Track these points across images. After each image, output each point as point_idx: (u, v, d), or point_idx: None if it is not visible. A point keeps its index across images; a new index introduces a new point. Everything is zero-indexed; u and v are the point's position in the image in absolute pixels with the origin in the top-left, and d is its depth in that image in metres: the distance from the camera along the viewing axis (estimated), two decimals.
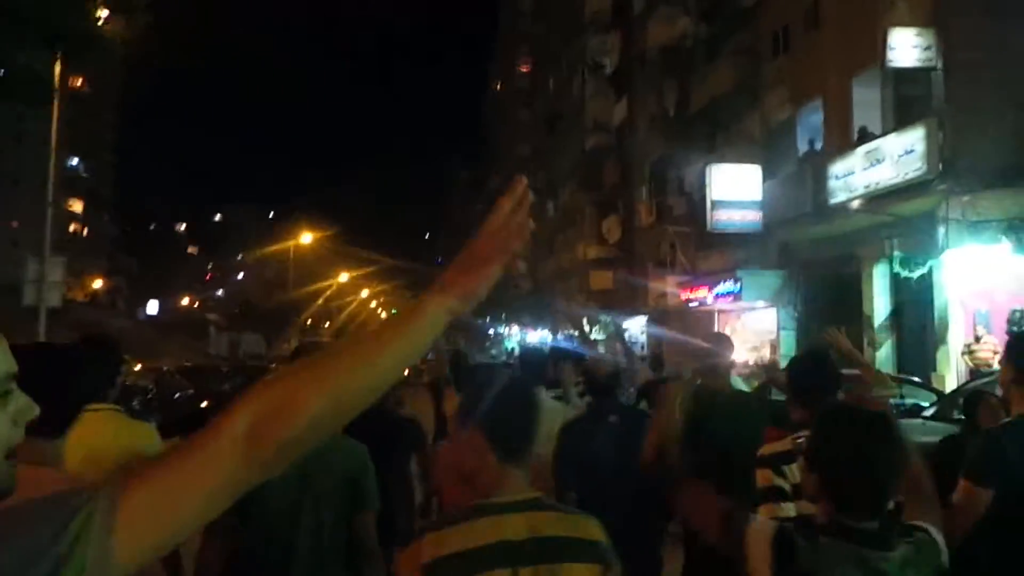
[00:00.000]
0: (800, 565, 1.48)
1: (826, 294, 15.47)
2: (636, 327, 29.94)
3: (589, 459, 2.87)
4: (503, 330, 51.72)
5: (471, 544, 1.46)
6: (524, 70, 54.70)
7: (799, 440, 2.18)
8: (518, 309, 49.95)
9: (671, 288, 22.04)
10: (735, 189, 16.18)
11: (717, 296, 18.17)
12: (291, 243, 43.39)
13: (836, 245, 14.31)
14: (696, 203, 20.72)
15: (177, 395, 12.53)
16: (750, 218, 16.14)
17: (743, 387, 4.72)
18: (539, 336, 42.69)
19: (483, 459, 1.53)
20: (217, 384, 14.10)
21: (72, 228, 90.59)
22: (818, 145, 14.12)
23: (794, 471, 2.15)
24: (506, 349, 43.68)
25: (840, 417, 1.65)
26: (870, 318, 13.49)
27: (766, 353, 17.44)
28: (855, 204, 12.25)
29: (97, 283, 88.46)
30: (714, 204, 16.30)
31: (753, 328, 18.84)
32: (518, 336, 46.48)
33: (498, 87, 68.77)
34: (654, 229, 23.98)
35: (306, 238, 42.27)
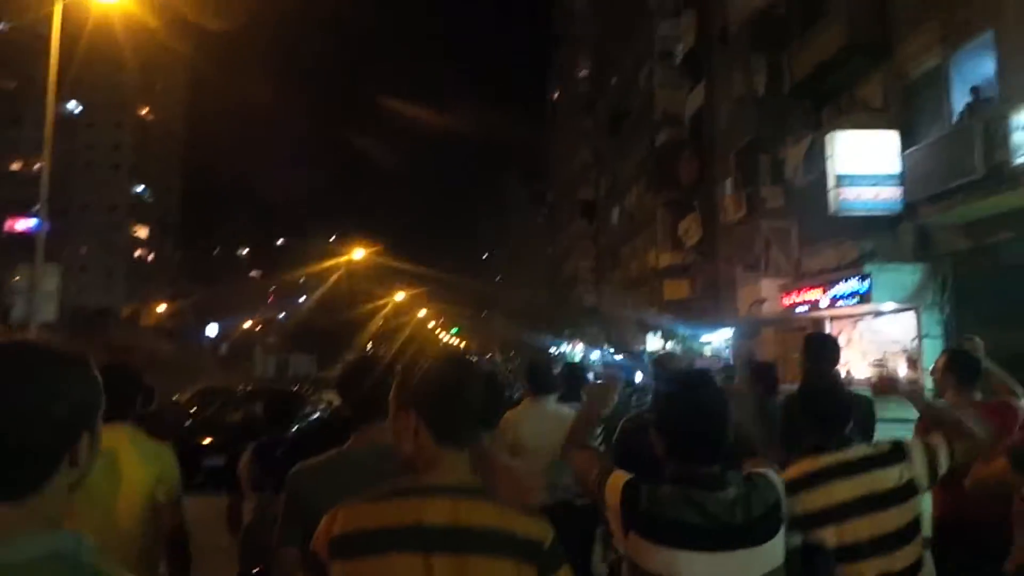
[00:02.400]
0: (643, 507, 1.73)
1: (987, 291, 12.03)
2: (719, 340, 26.64)
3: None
4: (566, 347, 48.76)
5: (384, 522, 1.40)
6: (583, 74, 52.39)
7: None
8: (582, 324, 46.93)
9: (767, 293, 18.75)
10: (863, 162, 12.95)
11: (835, 299, 14.86)
12: (344, 259, 41.56)
13: (1009, 224, 10.94)
14: (800, 190, 17.47)
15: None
16: (885, 196, 12.87)
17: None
18: (602, 352, 39.64)
19: (418, 440, 1.47)
20: (229, 411, 11.71)
21: (138, 254, 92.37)
22: (987, 94, 10.83)
23: (800, 500, 2.07)
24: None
25: (675, 384, 1.92)
26: None
27: (900, 367, 14.13)
28: None
29: (161, 307, 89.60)
30: (839, 181, 13.09)
31: (881, 337, 15.42)
32: (582, 352, 43.43)
33: (556, 96, 66.50)
34: (744, 226, 20.74)
35: (358, 253, 40.35)
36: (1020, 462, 2.30)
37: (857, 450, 2.20)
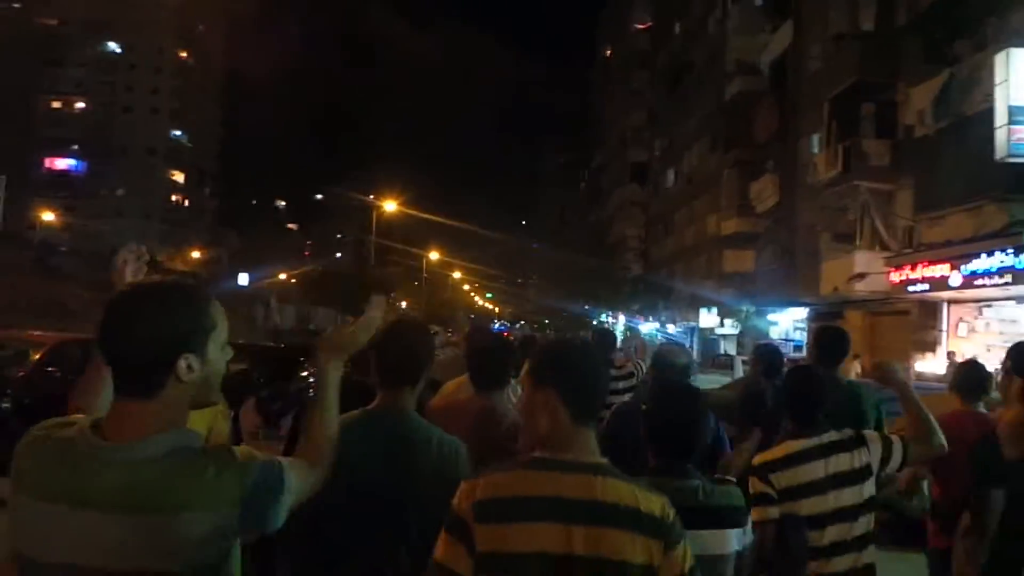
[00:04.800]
0: None
1: None
2: (789, 321, 23.50)
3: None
4: (607, 319, 45.78)
5: (527, 492, 1.48)
6: (641, 27, 48.57)
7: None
8: (627, 296, 43.89)
9: (866, 267, 15.60)
10: None
11: (972, 276, 11.74)
12: (376, 209, 39.00)
13: None
14: (922, 143, 14.18)
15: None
16: None
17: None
18: (651, 327, 36.63)
19: (555, 418, 1.54)
20: None
21: (174, 198, 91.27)
22: None
23: (779, 478, 2.42)
24: None
25: (663, 394, 2.21)
26: None
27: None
28: None
29: (195, 254, 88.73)
30: (1012, 115, 9.87)
31: (1017, 328, 12.24)
32: (624, 326, 40.46)
33: (608, 54, 62.55)
34: (836, 188, 17.49)
35: (390, 206, 37.67)
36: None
37: (827, 436, 2.48)
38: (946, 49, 13.97)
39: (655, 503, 1.51)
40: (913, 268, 13.40)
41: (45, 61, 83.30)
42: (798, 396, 2.58)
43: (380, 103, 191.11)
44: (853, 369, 14.29)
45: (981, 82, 12.11)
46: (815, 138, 19.71)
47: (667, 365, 3.47)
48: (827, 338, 3.65)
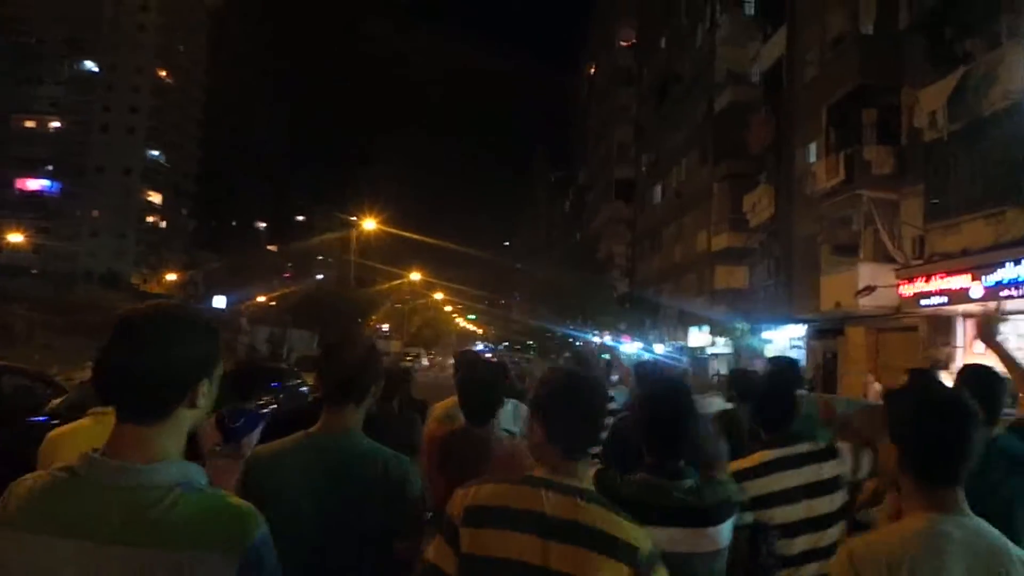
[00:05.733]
0: (613, 490, 1.93)
1: None
2: (785, 339, 22.52)
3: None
4: (592, 338, 44.69)
5: (513, 504, 1.59)
6: (625, 44, 48.19)
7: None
8: (612, 315, 42.89)
9: (872, 279, 14.67)
10: None
11: (995, 287, 10.79)
12: (359, 233, 37.83)
13: None
14: (932, 146, 13.31)
15: None
16: None
17: None
18: (636, 347, 35.58)
19: (545, 450, 1.66)
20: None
21: (150, 219, 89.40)
22: None
23: (752, 486, 2.37)
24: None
25: (650, 392, 2.22)
26: None
27: None
28: None
29: (171, 276, 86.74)
30: None
31: None
32: (601, 347, 39.31)
33: (592, 71, 62.28)
34: (835, 198, 16.61)
35: (369, 224, 36.53)
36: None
37: (800, 447, 2.50)
38: (955, 48, 13.18)
39: (635, 534, 1.60)
40: (927, 280, 12.46)
41: (19, 80, 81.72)
42: (771, 408, 2.63)
43: (363, 123, 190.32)
44: (871, 386, 13.33)
45: (999, 80, 11.28)
46: (812, 147, 18.90)
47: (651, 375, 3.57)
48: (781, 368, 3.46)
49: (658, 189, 36.10)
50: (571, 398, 1.66)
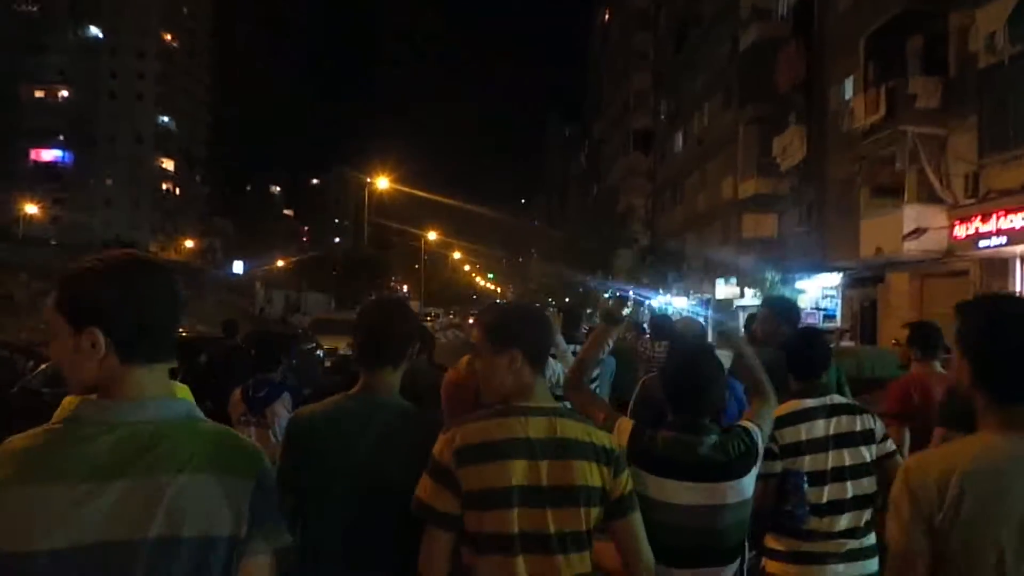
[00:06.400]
0: (644, 446, 2.07)
1: None
2: (819, 288, 21.57)
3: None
4: (617, 294, 43.89)
5: (498, 436, 1.68)
6: None
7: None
8: (633, 269, 41.99)
9: (921, 222, 13.69)
10: None
11: None
12: (371, 187, 36.98)
13: None
14: (989, 73, 12.18)
15: None
16: None
17: None
18: (663, 301, 34.75)
19: (520, 374, 1.76)
20: None
21: (165, 187, 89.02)
22: None
23: (782, 434, 2.44)
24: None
25: (679, 355, 2.39)
26: None
27: None
28: None
29: (189, 243, 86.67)
30: None
31: None
32: (631, 301, 38.53)
33: (606, 18, 60.21)
34: (879, 135, 15.51)
35: (383, 183, 35.66)
36: (948, 418, 2.87)
37: (832, 398, 2.56)
38: None
39: (605, 438, 1.77)
40: (984, 219, 11.49)
41: (26, 48, 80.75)
42: (802, 357, 2.63)
43: (376, 81, 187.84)
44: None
45: None
46: (848, 83, 17.70)
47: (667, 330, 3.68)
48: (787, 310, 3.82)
49: (679, 137, 34.82)
50: (537, 322, 1.88)
